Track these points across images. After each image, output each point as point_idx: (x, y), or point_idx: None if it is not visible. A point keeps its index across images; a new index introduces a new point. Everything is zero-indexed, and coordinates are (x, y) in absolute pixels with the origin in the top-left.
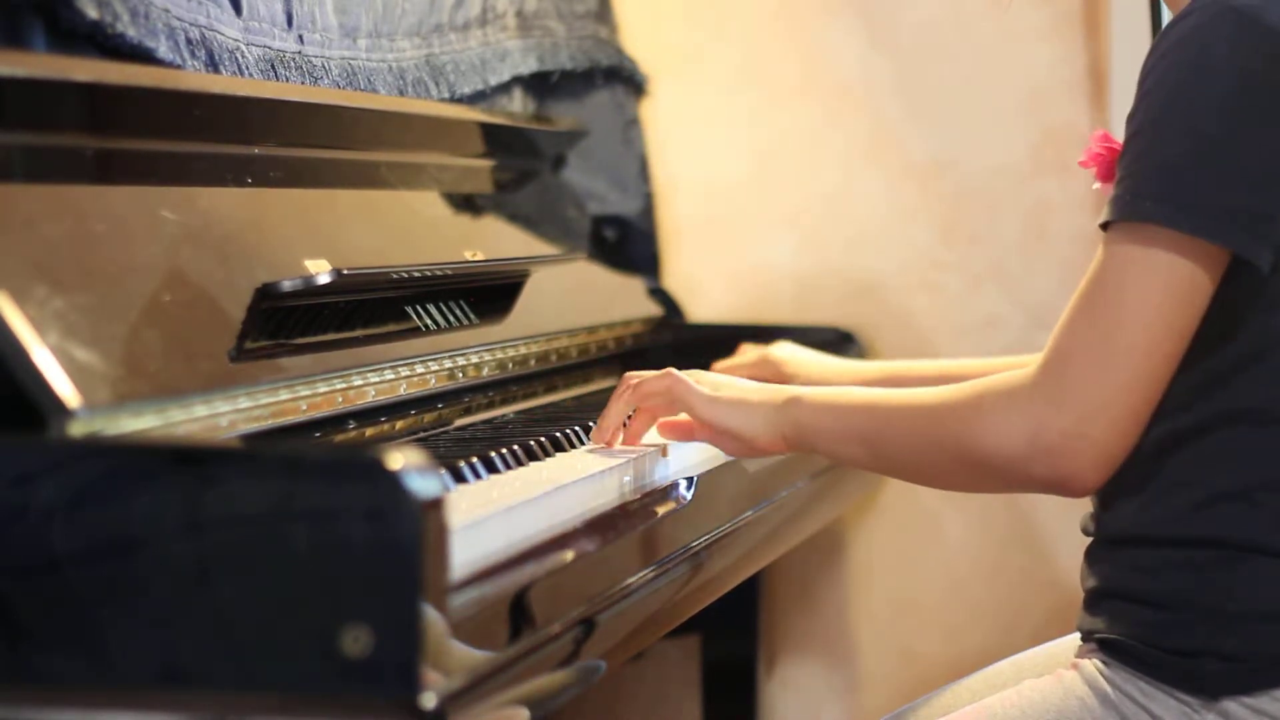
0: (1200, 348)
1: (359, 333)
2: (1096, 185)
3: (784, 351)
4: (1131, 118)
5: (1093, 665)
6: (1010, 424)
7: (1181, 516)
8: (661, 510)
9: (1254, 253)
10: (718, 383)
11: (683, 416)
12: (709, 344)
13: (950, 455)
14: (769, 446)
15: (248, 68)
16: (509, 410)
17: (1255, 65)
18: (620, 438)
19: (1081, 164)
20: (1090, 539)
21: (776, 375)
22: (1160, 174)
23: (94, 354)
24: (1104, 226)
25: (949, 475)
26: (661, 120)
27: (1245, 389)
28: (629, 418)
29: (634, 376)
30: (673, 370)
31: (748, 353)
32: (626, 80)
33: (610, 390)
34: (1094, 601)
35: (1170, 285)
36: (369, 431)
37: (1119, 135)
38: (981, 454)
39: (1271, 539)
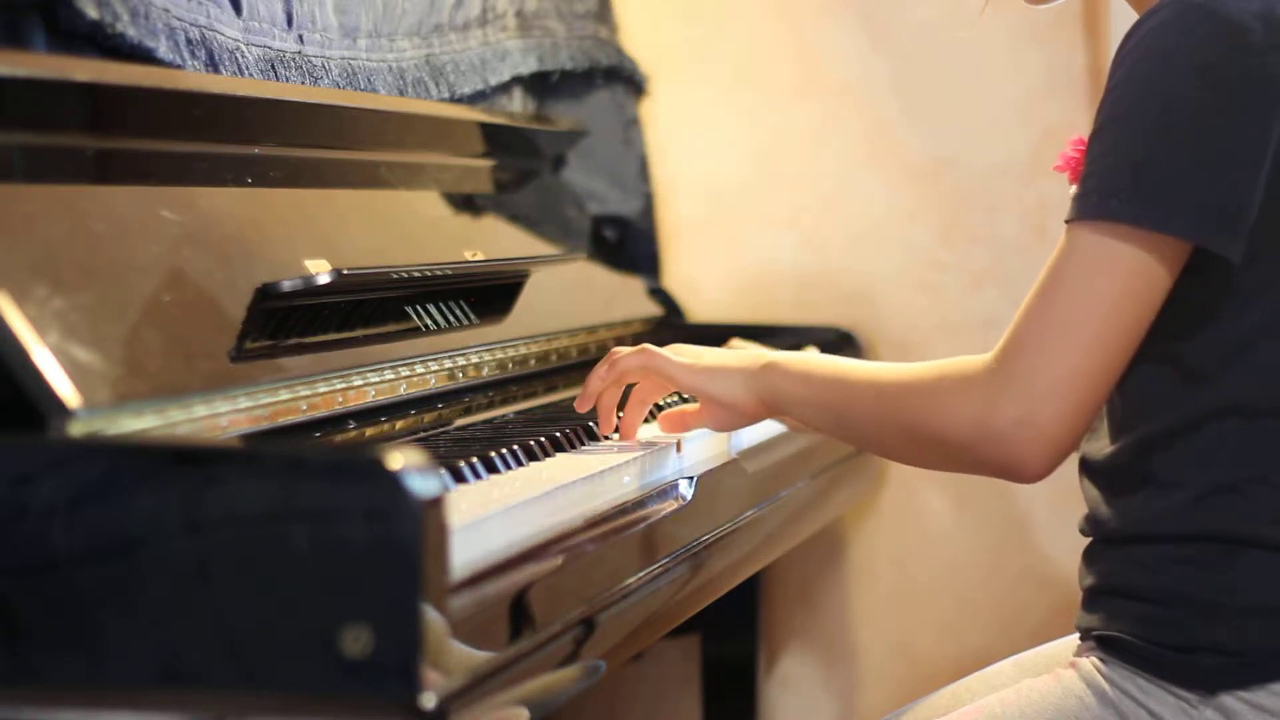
0: (1181, 344)
1: (359, 333)
2: (1073, 189)
3: None
4: (1096, 115)
5: (1090, 663)
6: (962, 408)
7: (1178, 512)
8: (662, 510)
9: (1225, 247)
10: (697, 352)
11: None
12: (709, 344)
13: (907, 434)
14: (751, 411)
15: (248, 68)
16: (509, 410)
17: (1218, 59)
18: (614, 422)
19: (1056, 169)
20: (1089, 539)
21: None
22: (1127, 171)
23: (94, 354)
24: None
25: (906, 452)
26: (661, 120)
27: (1231, 384)
28: (620, 414)
29: (615, 352)
30: (648, 345)
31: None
32: (626, 80)
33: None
34: (1092, 599)
35: (1127, 281)
36: (369, 431)
37: None
38: (934, 435)
39: (1268, 532)
